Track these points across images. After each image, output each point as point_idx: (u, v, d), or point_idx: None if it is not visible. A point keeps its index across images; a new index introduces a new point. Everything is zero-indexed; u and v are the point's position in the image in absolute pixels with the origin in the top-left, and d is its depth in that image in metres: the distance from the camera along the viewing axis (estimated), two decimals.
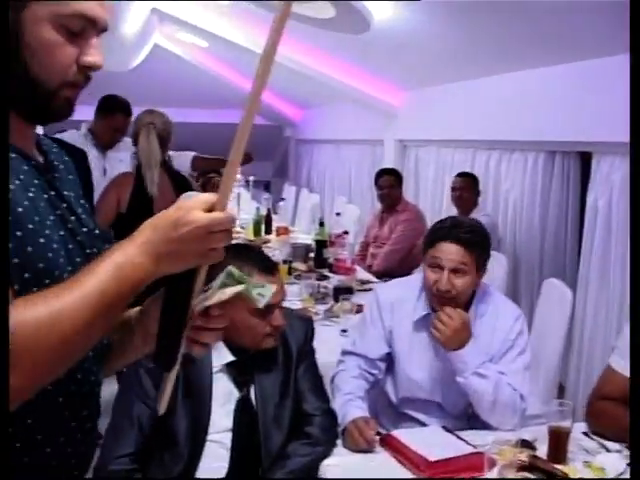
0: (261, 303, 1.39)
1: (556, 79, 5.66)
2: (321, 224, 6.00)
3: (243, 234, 7.18)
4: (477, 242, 2.99)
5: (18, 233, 1.26)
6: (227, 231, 1.29)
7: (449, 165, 7.86)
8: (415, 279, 3.20)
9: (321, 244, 5.79)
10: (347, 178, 11.30)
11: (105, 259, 1.24)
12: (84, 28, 1.33)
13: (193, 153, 5.58)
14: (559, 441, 2.56)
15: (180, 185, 4.48)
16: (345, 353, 3.20)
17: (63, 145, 1.67)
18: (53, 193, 1.41)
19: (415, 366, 3.08)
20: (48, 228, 1.33)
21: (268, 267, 2.62)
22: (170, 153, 5.21)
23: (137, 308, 1.50)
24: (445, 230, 3.02)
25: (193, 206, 1.26)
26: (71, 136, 5.05)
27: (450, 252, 2.94)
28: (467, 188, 6.52)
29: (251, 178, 9.91)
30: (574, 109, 5.29)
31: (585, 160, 5.96)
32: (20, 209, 1.28)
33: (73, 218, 1.44)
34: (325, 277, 5.26)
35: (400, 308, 3.12)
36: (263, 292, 1.39)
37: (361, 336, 3.20)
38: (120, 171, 4.79)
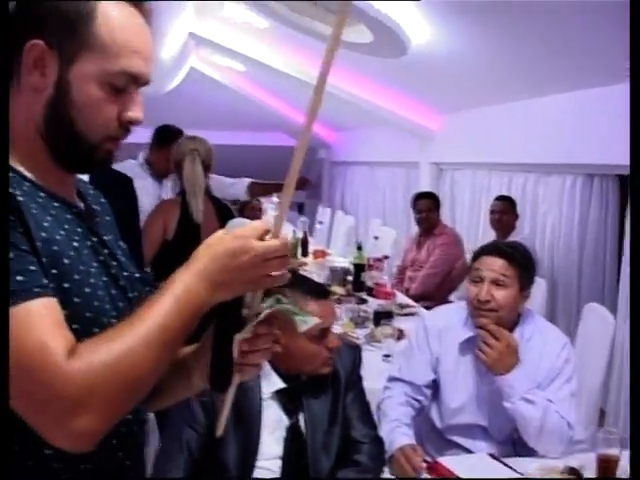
0: (302, 328, 1.43)
1: (593, 101, 5.65)
2: (359, 248, 6.00)
3: None
4: (520, 258, 3.01)
5: (65, 285, 1.28)
6: (283, 257, 1.31)
7: (485, 188, 7.85)
8: (461, 305, 3.21)
9: (359, 268, 5.79)
10: (381, 200, 11.31)
11: (163, 292, 1.26)
12: (127, 84, 1.37)
13: (249, 180, 5.53)
14: (607, 470, 2.54)
15: (223, 211, 4.49)
16: (391, 379, 3.21)
17: (104, 176, 1.69)
18: (95, 239, 1.43)
19: (461, 391, 3.07)
20: (93, 276, 1.35)
21: (320, 292, 2.65)
22: (225, 180, 5.24)
23: (192, 346, 1.51)
24: (489, 246, 3.07)
25: (250, 234, 1.29)
26: (129, 166, 5.07)
27: (491, 264, 2.97)
28: (506, 211, 6.51)
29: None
30: (612, 131, 5.27)
31: (624, 183, 5.92)
32: (66, 260, 1.29)
33: (114, 263, 1.45)
34: (364, 301, 5.26)
35: (447, 334, 3.13)
36: (307, 321, 1.43)
37: (407, 362, 3.20)
38: None
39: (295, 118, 12.72)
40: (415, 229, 7.37)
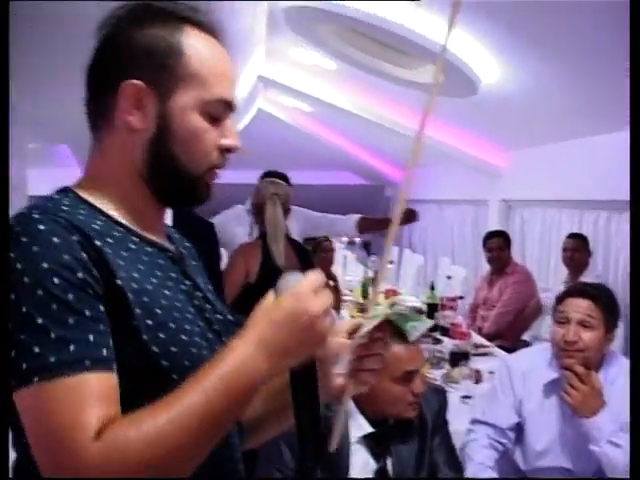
0: (413, 336, 1.48)
1: None
2: (432, 287, 6.00)
3: (351, 296, 7.20)
4: (605, 300, 3.01)
5: (161, 335, 1.24)
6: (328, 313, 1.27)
7: (556, 225, 7.78)
8: (545, 347, 3.19)
9: (432, 307, 5.78)
10: (449, 238, 11.27)
11: (212, 363, 1.19)
12: (223, 111, 1.38)
13: (358, 215, 5.42)
14: None
15: (302, 254, 4.49)
16: (475, 422, 3.20)
17: (185, 220, 1.70)
18: (189, 283, 1.40)
19: (545, 433, 3.05)
20: (188, 323, 1.31)
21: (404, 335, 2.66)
22: (330, 216, 5.23)
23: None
24: (573, 288, 3.06)
25: (306, 292, 1.25)
26: (237, 212, 5.13)
27: (577, 305, 2.96)
28: (578, 249, 6.44)
29: (357, 240, 9.96)
30: None
31: None
32: (159, 310, 1.26)
33: (209, 307, 1.42)
34: (438, 341, 5.24)
35: (531, 376, 3.12)
36: (417, 326, 1.48)
37: (491, 405, 3.19)
38: None
39: (360, 157, 12.79)
40: (484, 267, 7.33)
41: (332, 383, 1.45)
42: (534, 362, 3.16)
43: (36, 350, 1.10)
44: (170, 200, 1.43)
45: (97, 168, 1.38)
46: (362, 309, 6.45)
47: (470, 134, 8.34)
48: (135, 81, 1.31)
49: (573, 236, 6.62)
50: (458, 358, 4.55)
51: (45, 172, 12.53)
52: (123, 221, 1.34)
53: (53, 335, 1.11)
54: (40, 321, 1.11)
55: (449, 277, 6.27)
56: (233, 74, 1.41)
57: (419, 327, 1.47)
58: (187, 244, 1.59)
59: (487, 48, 5.22)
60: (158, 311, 1.26)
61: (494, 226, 8.59)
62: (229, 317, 1.47)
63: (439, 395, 2.86)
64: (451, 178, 10.73)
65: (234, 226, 4.99)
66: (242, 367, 1.19)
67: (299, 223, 5.07)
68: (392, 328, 2.63)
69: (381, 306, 1.43)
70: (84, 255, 1.18)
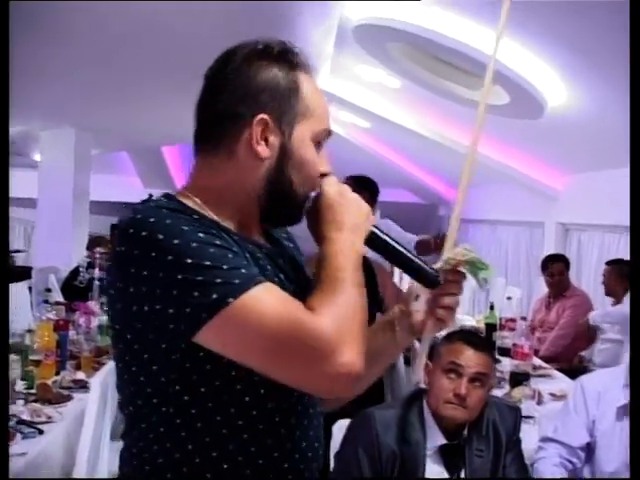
0: (484, 287, 1.59)
1: None
2: (491, 307, 6.00)
3: None
4: None
5: None
6: None
7: (614, 250, 7.74)
8: (621, 369, 3.21)
9: (491, 327, 5.78)
10: (503, 259, 11.23)
11: (332, 252, 1.45)
12: (324, 140, 1.55)
13: (415, 239, 5.55)
14: None
15: (367, 271, 4.55)
16: (545, 440, 3.22)
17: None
18: (282, 276, 1.54)
19: (616, 455, 3.05)
20: None
21: (476, 342, 2.75)
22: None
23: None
24: None
25: (331, 181, 1.55)
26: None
27: None
28: (610, 276, 6.43)
29: None
30: None
31: None
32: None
33: (303, 298, 1.53)
34: (497, 361, 5.23)
35: (605, 397, 3.13)
36: (488, 278, 1.58)
37: (563, 423, 3.21)
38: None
39: (416, 175, 12.80)
40: (538, 288, 7.30)
41: (414, 319, 1.59)
42: (609, 384, 3.18)
43: (218, 281, 1.30)
44: (274, 219, 1.59)
45: (209, 183, 1.52)
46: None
47: (528, 155, 8.34)
48: (264, 115, 1.47)
49: (608, 263, 6.62)
50: (518, 378, 4.55)
51: (106, 178, 12.80)
52: (224, 224, 1.48)
53: (225, 267, 1.32)
54: (208, 263, 1.31)
55: (509, 298, 6.26)
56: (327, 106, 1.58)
57: (489, 279, 1.58)
58: (286, 242, 1.71)
59: (555, 70, 5.24)
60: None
61: (550, 248, 8.57)
62: None
63: (514, 412, 2.89)
64: (506, 199, 10.71)
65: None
66: (351, 245, 1.46)
67: None
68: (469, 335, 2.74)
69: (456, 250, 1.57)
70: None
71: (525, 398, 4.26)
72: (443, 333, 5.29)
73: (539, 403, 4.27)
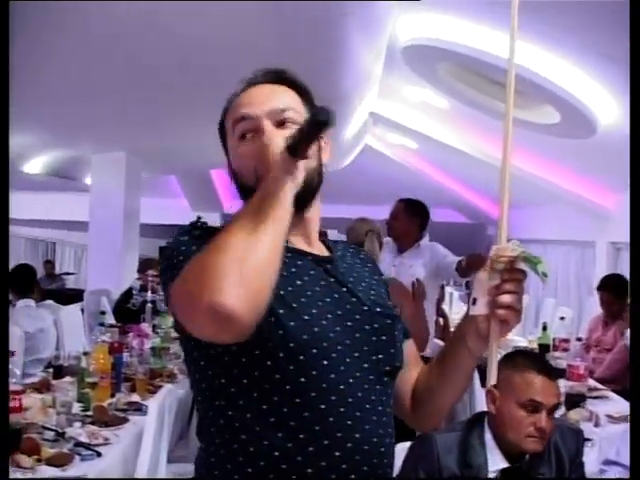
0: (545, 281, 1.51)
1: None
2: (544, 328, 5.94)
3: None
4: None
5: (280, 311, 1.46)
6: None
7: None
8: None
9: (544, 348, 5.73)
10: (553, 279, 11.13)
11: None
12: None
13: (456, 261, 5.34)
14: None
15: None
16: (608, 462, 3.18)
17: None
18: (332, 280, 1.61)
19: None
20: (317, 307, 1.53)
21: (546, 369, 2.72)
22: (445, 261, 5.27)
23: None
24: None
25: None
26: (387, 240, 5.30)
27: None
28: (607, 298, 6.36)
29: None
30: None
31: None
32: (290, 289, 1.51)
33: (354, 299, 1.60)
34: None
35: None
36: (547, 271, 1.49)
37: (626, 446, 3.16)
38: (406, 277, 4.96)
39: (464, 194, 12.78)
40: (589, 309, 7.21)
41: (479, 323, 1.54)
42: None
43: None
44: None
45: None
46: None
47: (579, 174, 8.28)
48: None
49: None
50: (574, 400, 4.49)
51: (155, 201, 12.94)
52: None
53: None
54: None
55: (562, 318, 6.20)
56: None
57: (548, 273, 1.51)
58: (362, 256, 1.82)
59: (605, 87, 5.20)
60: (289, 289, 1.51)
61: (602, 268, 8.48)
62: (377, 309, 1.63)
63: (576, 435, 2.86)
64: (556, 218, 10.63)
65: None
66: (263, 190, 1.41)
67: (425, 258, 5.25)
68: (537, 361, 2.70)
69: (512, 246, 1.51)
70: None
71: (582, 420, 4.21)
72: (502, 352, 5.28)
73: (596, 425, 4.21)
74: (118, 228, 9.28)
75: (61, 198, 13.83)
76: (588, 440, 3.93)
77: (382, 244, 4.65)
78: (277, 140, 1.47)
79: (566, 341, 5.66)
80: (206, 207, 13.86)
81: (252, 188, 1.51)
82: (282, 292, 1.46)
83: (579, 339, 5.71)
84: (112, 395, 4.22)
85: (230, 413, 1.50)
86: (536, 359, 2.83)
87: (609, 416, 4.33)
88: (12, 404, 3.22)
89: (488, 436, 2.68)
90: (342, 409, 1.49)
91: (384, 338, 1.60)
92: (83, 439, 3.41)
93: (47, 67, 5.00)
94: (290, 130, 1.52)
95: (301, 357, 1.46)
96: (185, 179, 13.69)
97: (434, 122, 8.38)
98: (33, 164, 9.59)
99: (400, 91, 7.30)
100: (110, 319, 6.58)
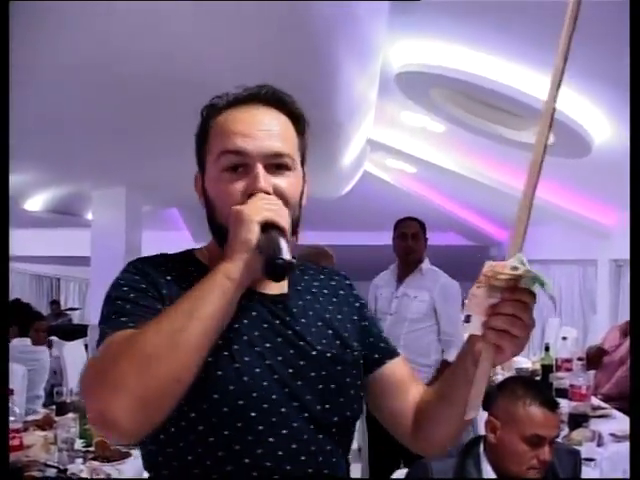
0: (549, 290, 1.32)
1: None
2: (547, 348, 5.93)
3: None
4: None
5: (210, 359, 1.37)
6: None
7: None
8: None
9: (547, 369, 5.71)
10: (557, 299, 11.12)
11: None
12: None
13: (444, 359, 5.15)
14: None
15: None
16: None
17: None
18: (277, 322, 1.51)
19: None
20: (251, 354, 1.44)
21: (549, 402, 2.71)
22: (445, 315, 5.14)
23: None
24: None
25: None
26: (383, 275, 5.45)
27: None
28: None
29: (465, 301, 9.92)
30: None
31: None
32: (225, 334, 1.41)
33: (301, 343, 1.50)
34: None
35: None
36: (547, 285, 1.32)
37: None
38: (412, 312, 5.06)
39: (465, 217, 12.79)
40: (593, 327, 7.19)
41: (473, 347, 1.39)
42: None
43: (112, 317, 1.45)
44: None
45: None
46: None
47: (577, 193, 8.30)
48: (197, 173, 1.63)
49: None
50: (577, 420, 4.48)
51: (157, 234, 12.95)
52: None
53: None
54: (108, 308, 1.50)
55: (564, 338, 6.19)
56: None
57: (547, 288, 1.32)
58: (317, 290, 1.67)
59: (598, 107, 5.23)
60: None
61: (604, 286, 8.49)
62: (327, 354, 1.52)
63: (573, 456, 2.86)
64: (557, 238, 10.64)
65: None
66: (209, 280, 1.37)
67: (429, 286, 5.18)
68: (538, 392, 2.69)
69: (511, 262, 1.32)
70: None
71: (585, 440, 4.19)
72: (500, 378, 5.26)
73: (600, 445, 4.19)
74: (120, 263, 9.19)
75: (63, 234, 13.86)
76: (591, 460, 3.92)
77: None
78: (261, 206, 1.41)
79: (569, 361, 5.65)
80: (209, 238, 13.84)
81: (220, 225, 1.50)
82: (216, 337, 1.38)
83: (580, 359, 5.69)
84: None
85: (159, 459, 1.47)
86: (538, 390, 2.79)
87: (613, 435, 4.31)
88: (12, 442, 3.23)
89: (485, 464, 2.66)
90: (268, 463, 1.41)
91: (332, 386, 1.50)
92: (85, 475, 3.42)
93: (44, 104, 5.03)
94: (283, 176, 1.50)
95: (225, 409, 1.39)
96: (187, 211, 13.71)
97: (431, 146, 8.41)
98: (34, 201, 9.62)
99: (396, 117, 7.33)
100: None
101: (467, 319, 1.36)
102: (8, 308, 1.35)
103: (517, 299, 1.30)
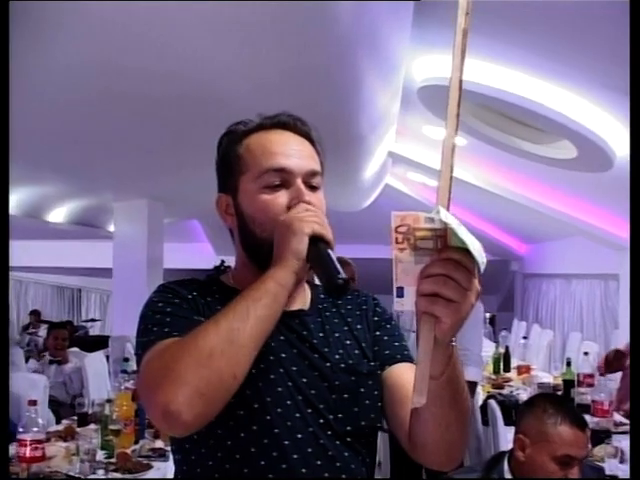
0: (481, 267, 1.15)
1: None
2: (568, 363, 5.90)
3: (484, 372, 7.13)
4: None
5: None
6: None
7: None
8: None
9: (569, 384, 5.67)
10: (578, 313, 11.08)
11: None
12: None
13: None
14: None
15: None
16: None
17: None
18: (293, 335, 1.59)
19: None
20: (266, 362, 1.50)
21: (579, 421, 2.69)
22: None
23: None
24: None
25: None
26: None
27: None
28: None
29: (486, 314, 9.87)
30: None
31: None
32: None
33: (316, 355, 1.57)
34: None
35: None
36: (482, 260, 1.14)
37: None
38: None
39: (486, 231, 12.76)
40: (615, 342, 7.13)
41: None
42: None
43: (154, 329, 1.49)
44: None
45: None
46: (495, 384, 6.43)
47: (599, 207, 8.25)
48: (221, 194, 1.71)
49: None
50: (600, 436, 4.45)
51: (178, 246, 13.01)
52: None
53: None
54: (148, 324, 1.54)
55: (586, 353, 6.14)
56: None
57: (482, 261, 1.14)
58: (335, 308, 1.70)
59: (619, 120, 5.20)
60: None
61: (626, 300, 8.40)
62: (341, 365, 1.58)
63: (597, 473, 2.85)
64: (579, 252, 10.58)
65: None
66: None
67: None
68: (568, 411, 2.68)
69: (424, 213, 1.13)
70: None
71: (608, 456, 4.17)
72: (522, 392, 5.21)
73: (622, 461, 4.16)
74: (142, 274, 9.32)
75: (85, 245, 13.94)
76: (614, 477, 3.90)
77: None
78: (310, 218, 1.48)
79: (590, 376, 5.61)
80: (230, 251, 13.78)
81: (260, 239, 1.56)
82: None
83: (602, 374, 5.64)
84: (136, 442, 4.22)
85: (184, 468, 1.56)
86: (568, 409, 2.78)
87: None
88: (35, 453, 3.25)
89: (508, 476, 2.65)
90: (284, 465, 1.47)
91: (345, 396, 1.55)
92: None
93: (67, 117, 5.07)
94: (315, 194, 1.58)
95: (241, 412, 1.47)
96: (208, 223, 13.76)
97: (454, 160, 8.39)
98: (56, 213, 9.69)
99: (418, 130, 7.32)
100: (134, 366, 6.58)
101: (399, 293, 1.17)
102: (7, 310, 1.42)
103: (446, 257, 1.14)
